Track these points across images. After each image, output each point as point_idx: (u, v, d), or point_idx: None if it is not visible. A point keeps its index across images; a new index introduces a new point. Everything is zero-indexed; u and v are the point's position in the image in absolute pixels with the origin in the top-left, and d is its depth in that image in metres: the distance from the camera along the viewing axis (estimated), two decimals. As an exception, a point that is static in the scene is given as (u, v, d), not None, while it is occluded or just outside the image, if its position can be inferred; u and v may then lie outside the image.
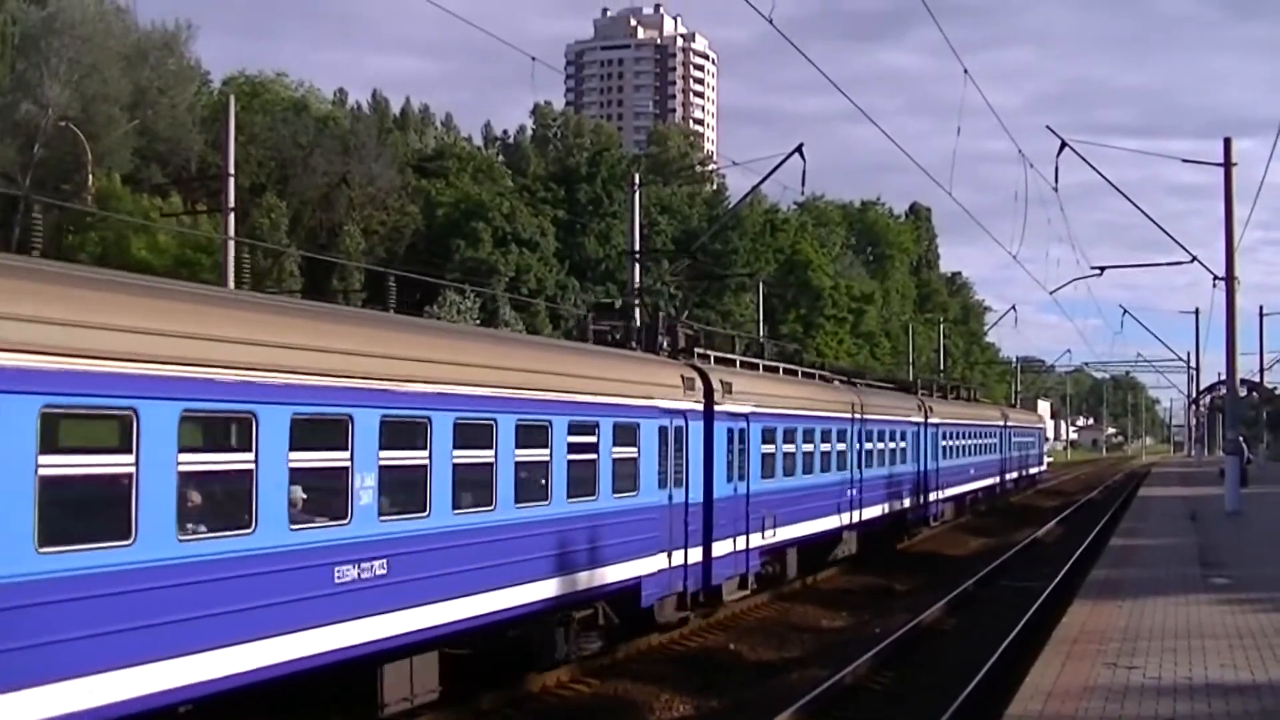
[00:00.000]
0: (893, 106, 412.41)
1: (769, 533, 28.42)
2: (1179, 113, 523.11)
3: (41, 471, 11.12)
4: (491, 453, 17.60)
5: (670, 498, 23.51)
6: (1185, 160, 49.09)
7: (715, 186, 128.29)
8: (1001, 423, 66.04)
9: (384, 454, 15.26)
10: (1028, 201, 69.96)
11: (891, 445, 40.83)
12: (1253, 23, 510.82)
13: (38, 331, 11.22)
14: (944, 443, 48.85)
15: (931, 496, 46.50)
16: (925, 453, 45.38)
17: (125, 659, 11.91)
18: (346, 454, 14.72)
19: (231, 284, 32.93)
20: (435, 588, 16.36)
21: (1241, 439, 47.98)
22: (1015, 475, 72.06)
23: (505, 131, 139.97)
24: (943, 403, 51.97)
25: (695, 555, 24.58)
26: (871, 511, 37.96)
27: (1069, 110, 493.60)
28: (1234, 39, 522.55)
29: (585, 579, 20.25)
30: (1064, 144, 40.44)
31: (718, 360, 28.31)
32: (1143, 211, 53.80)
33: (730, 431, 26.43)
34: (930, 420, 46.21)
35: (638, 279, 41.16)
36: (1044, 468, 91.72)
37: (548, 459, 19.07)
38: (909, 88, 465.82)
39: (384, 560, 15.30)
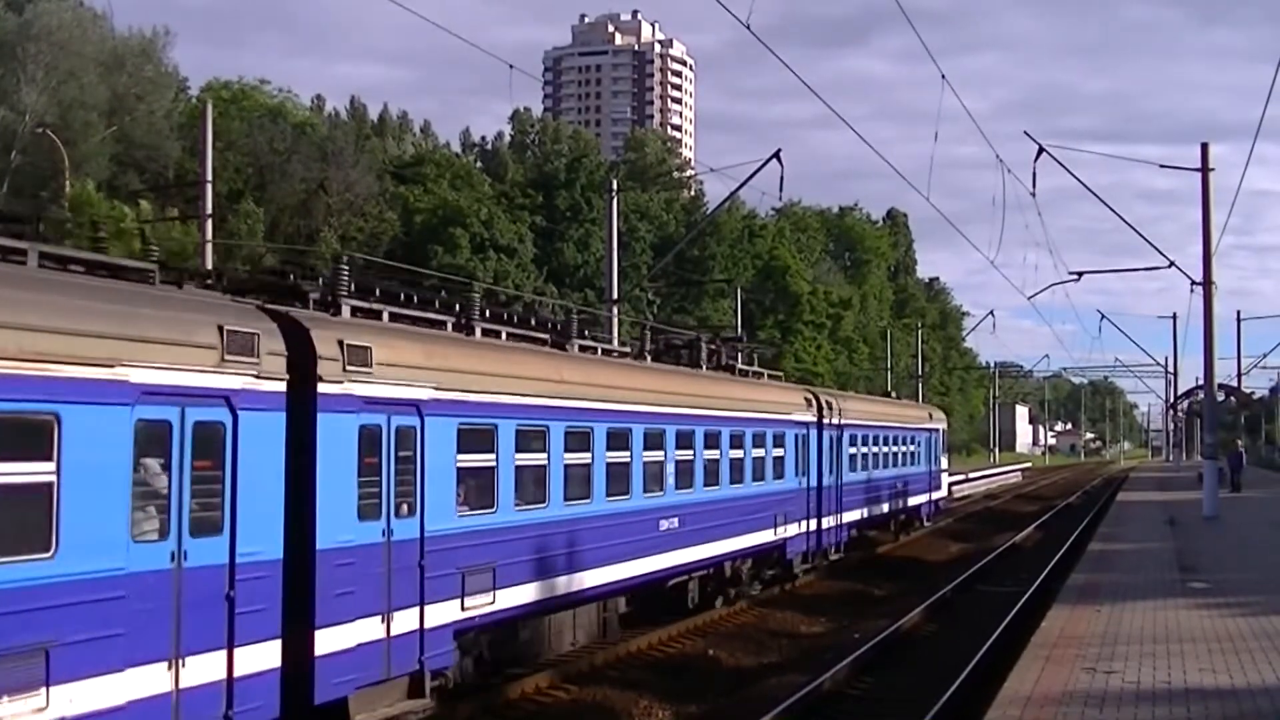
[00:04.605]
0: (862, 112, 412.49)
1: None
2: (1146, 118, 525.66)
3: None
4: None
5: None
6: (1163, 165, 49.09)
7: (693, 192, 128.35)
8: (809, 419, 34.80)
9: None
10: (1005, 207, 69.96)
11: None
12: (1217, 28, 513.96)
13: None
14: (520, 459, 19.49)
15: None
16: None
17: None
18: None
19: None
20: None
21: (1240, 443, 47.95)
22: (881, 509, 43.57)
23: (483, 138, 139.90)
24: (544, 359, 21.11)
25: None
26: None
27: (1037, 116, 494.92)
28: (1199, 45, 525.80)
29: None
30: (1041, 149, 40.51)
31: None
32: (1124, 220, 53.92)
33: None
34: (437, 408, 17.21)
35: (616, 286, 41.13)
36: (942, 494, 56.83)
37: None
38: (877, 94, 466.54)
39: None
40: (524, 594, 19.09)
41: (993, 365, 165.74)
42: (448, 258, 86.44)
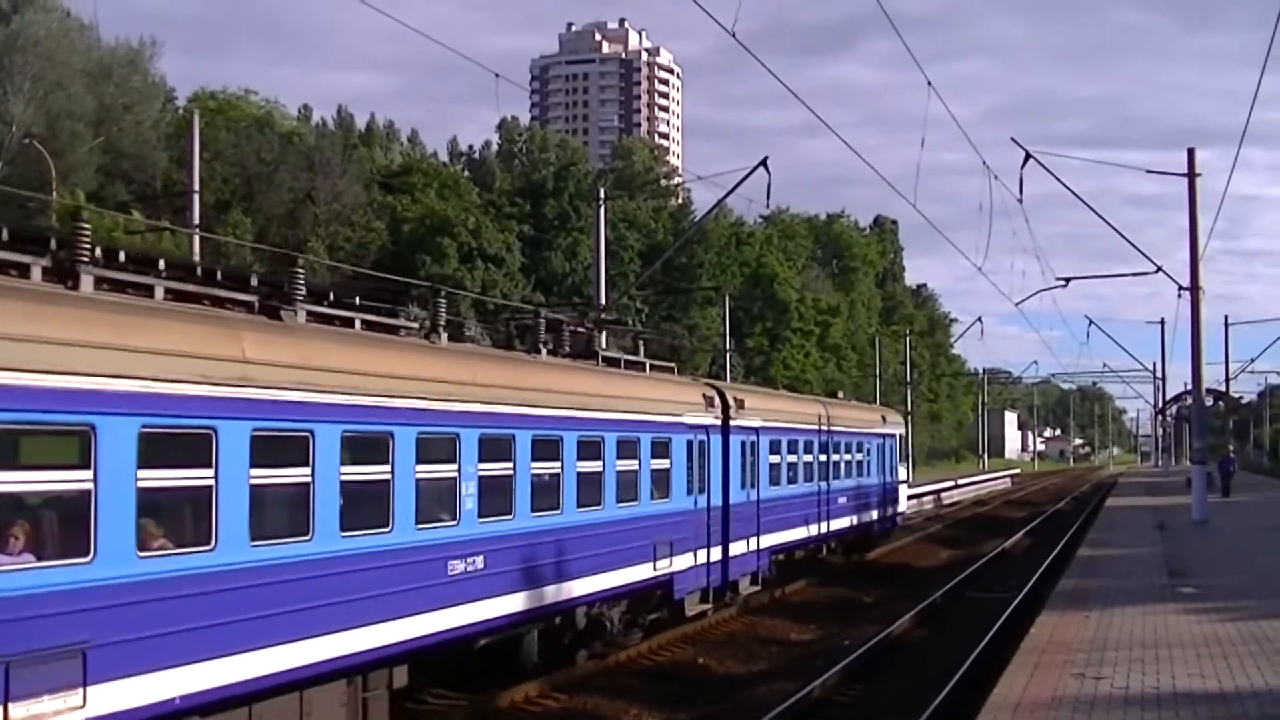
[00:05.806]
0: (849, 119, 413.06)
1: None
2: (1133, 124, 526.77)
3: None
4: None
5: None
6: (1150, 171, 49.39)
7: (681, 200, 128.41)
8: (708, 421, 27.63)
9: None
10: (992, 213, 70.04)
11: None
12: (1204, 34, 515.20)
13: None
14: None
15: None
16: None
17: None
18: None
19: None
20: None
21: (1231, 448, 48.26)
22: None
23: (471, 147, 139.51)
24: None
25: None
26: None
27: (1025, 121, 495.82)
28: (1187, 50, 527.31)
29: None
30: (1028, 155, 40.62)
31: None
32: (1111, 225, 54.21)
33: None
34: None
35: (603, 294, 41.15)
36: (900, 508, 49.29)
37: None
38: (864, 100, 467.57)
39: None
40: (160, 685, 12.27)
41: (981, 371, 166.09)
42: (435, 267, 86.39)
